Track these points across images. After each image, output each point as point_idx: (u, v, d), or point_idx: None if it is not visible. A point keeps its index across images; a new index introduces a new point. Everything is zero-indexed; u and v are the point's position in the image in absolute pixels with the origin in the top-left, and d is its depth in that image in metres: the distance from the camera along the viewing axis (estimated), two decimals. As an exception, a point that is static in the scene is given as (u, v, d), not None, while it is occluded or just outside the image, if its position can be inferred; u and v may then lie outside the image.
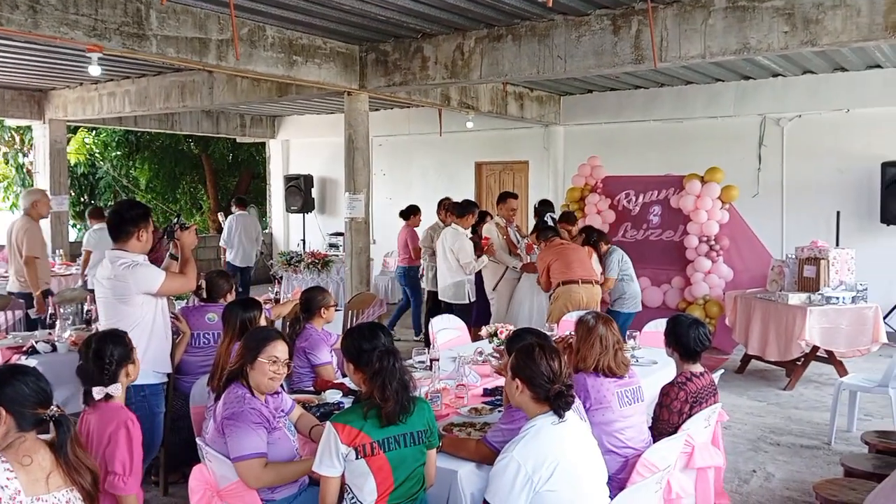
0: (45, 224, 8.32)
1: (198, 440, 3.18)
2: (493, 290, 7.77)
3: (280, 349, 3.15)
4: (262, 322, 4.05)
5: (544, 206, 8.18)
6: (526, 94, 10.67)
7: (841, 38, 5.48)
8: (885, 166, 8.54)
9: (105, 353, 2.99)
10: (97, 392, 2.93)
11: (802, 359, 6.96)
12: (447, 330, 5.70)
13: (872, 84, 8.96)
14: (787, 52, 6.34)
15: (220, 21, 6.42)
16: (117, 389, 2.98)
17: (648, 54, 6.19)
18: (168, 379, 4.26)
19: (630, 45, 6.30)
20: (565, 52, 6.63)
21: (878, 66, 8.81)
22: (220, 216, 11.63)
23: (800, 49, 5.73)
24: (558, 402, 2.62)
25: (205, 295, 4.92)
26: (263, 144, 15.63)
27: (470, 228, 7.47)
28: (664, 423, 3.50)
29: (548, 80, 9.80)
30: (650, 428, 3.56)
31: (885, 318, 8.12)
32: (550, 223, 7.41)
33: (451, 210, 7.78)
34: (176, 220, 4.27)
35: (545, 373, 2.65)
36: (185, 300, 5.82)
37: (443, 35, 7.30)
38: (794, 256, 7.34)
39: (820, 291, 6.85)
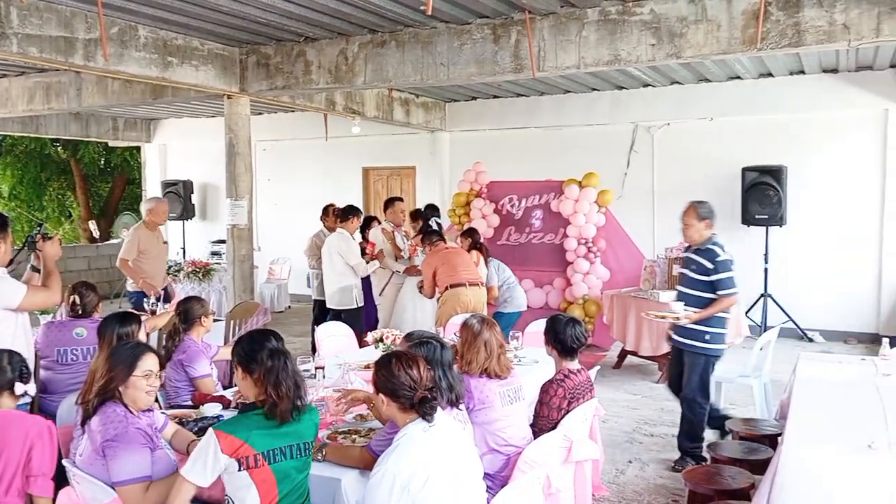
0: None
1: (65, 462, 3.00)
2: (380, 294, 7.78)
3: (151, 361, 3.02)
4: (142, 336, 3.87)
5: (429, 211, 8.26)
6: (412, 100, 10.74)
7: (703, 51, 5.85)
8: (745, 171, 9.14)
9: None
10: None
11: (674, 353, 7.35)
12: (334, 337, 5.65)
13: (733, 95, 9.59)
14: (654, 64, 6.68)
15: (87, 19, 6.10)
16: None
17: (527, 63, 6.38)
18: (32, 399, 3.99)
19: (510, 55, 6.48)
20: (448, 60, 6.73)
21: (739, 78, 9.45)
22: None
23: (666, 61, 6.07)
24: (424, 408, 2.64)
25: (80, 311, 4.63)
26: (139, 148, 14.93)
27: (357, 232, 7.44)
28: (544, 419, 3.62)
29: (433, 87, 9.90)
30: (531, 425, 3.67)
31: (746, 312, 8.73)
32: (435, 227, 7.48)
33: (337, 215, 7.71)
34: (38, 229, 4.00)
35: (406, 382, 2.66)
36: (52, 315, 5.48)
37: (326, 39, 7.24)
38: (664, 256, 7.74)
39: (688, 289, 7.25)
